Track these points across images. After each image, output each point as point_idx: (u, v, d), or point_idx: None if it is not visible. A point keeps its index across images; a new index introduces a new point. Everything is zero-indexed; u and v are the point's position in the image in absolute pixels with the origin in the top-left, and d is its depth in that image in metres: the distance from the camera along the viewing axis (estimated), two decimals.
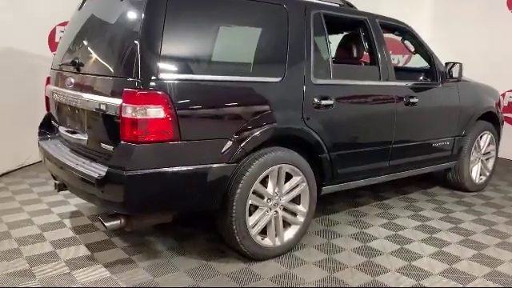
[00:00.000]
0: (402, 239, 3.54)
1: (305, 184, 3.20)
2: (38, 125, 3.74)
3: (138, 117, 2.48)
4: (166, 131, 2.55)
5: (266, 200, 3.04)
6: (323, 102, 3.23)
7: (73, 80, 3.05)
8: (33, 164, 5.55)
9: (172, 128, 2.56)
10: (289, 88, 3.09)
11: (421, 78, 4.44)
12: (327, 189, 3.48)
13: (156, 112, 2.51)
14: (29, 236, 3.41)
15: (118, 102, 2.56)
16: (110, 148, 2.70)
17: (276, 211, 3.10)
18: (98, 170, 2.69)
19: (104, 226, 2.73)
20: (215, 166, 2.75)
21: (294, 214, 3.23)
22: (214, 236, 3.46)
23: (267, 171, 2.98)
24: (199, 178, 2.72)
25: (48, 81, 3.66)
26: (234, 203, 2.85)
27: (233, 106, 2.83)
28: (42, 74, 5.52)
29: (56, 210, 3.98)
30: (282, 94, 3.06)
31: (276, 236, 3.13)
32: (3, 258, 3.04)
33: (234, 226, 2.89)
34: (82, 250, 3.18)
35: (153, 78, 2.53)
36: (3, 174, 5.07)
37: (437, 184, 5.12)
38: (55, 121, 3.55)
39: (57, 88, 3.34)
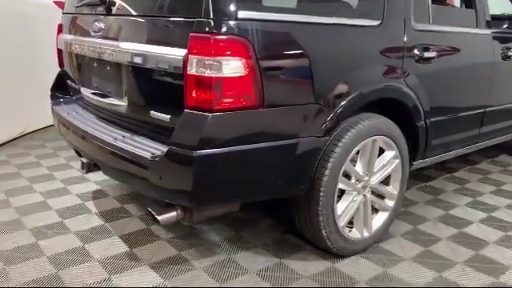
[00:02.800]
0: (501, 223, 2.92)
1: (398, 160, 2.53)
2: (50, 85, 2.98)
3: (212, 74, 1.75)
4: (246, 94, 1.83)
5: (354, 182, 2.37)
6: (425, 54, 2.51)
7: (102, 25, 2.28)
8: (35, 131, 4.80)
9: (254, 90, 1.84)
10: (388, 34, 2.37)
11: (505, 26, 3.69)
12: (417, 164, 2.82)
13: (236, 67, 1.78)
14: (46, 226, 2.72)
15: (178, 52, 1.82)
16: (166, 118, 1.97)
17: (364, 195, 2.44)
18: (149, 148, 1.99)
19: (155, 219, 2.05)
20: (303, 140, 2.05)
21: (382, 197, 2.58)
22: (275, 222, 2.82)
23: (360, 145, 2.29)
24: (285, 157, 2.03)
25: (60, 29, 2.88)
26: (322, 188, 2.18)
27: (326, 57, 2.09)
28: (42, 23, 4.80)
29: (74, 189, 3.28)
30: (381, 41, 2.34)
31: (364, 226, 2.48)
32: (23, 258, 2.37)
33: (321, 217, 2.23)
34: (118, 245, 2.51)
35: (231, 17, 1.78)
36: (2, 144, 4.32)
37: (502, 151, 4.48)
38: (73, 80, 2.80)
39: (76, 37, 2.56)
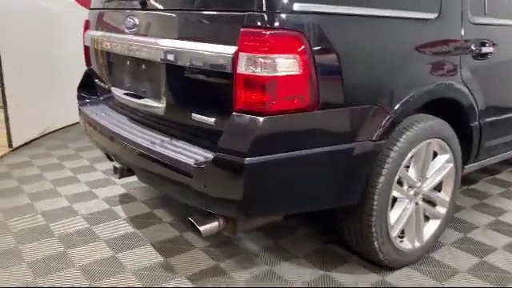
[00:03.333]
0: None
1: (451, 165, 2.34)
2: (77, 84, 2.84)
3: (264, 73, 1.58)
4: (301, 95, 1.66)
5: (406, 189, 2.19)
6: (483, 50, 2.32)
7: (136, 20, 2.12)
8: (56, 130, 4.68)
9: (309, 90, 1.67)
10: (446, 28, 2.18)
11: None
12: (468, 169, 2.62)
13: (290, 65, 1.61)
14: (75, 233, 2.58)
15: (226, 50, 1.66)
16: (210, 121, 1.81)
17: (416, 202, 2.26)
18: (191, 154, 1.83)
19: (196, 230, 1.89)
20: (359, 144, 1.88)
21: (433, 204, 2.39)
22: (313, 230, 2.65)
23: (415, 149, 2.11)
24: (339, 163, 1.86)
25: (87, 25, 2.73)
26: (376, 196, 2.00)
27: (384, 53, 1.92)
28: (64, 20, 4.67)
29: (100, 193, 3.14)
30: (438, 36, 2.15)
31: (415, 236, 2.29)
32: (54, 269, 2.23)
33: (374, 228, 2.05)
34: (152, 255, 2.37)
35: (286, 10, 1.61)
36: (24, 145, 4.20)
37: None
38: (102, 79, 2.65)
39: (106, 34, 2.41)
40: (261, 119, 1.60)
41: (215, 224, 1.91)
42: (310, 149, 1.73)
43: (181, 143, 1.98)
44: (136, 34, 2.12)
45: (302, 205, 1.90)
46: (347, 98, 1.80)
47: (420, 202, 2.27)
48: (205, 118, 1.82)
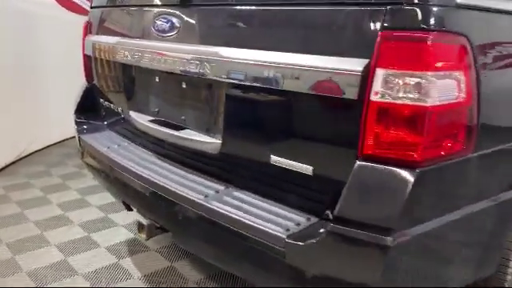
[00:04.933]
0: None
1: None
2: (75, 106, 2.19)
3: (418, 101, 1.00)
4: (458, 132, 1.09)
5: None
6: None
7: (176, 21, 1.50)
8: (34, 153, 3.96)
9: (469, 123, 1.10)
10: None
11: None
12: None
13: (454, 87, 1.04)
14: None
15: (350, 64, 1.06)
16: (306, 168, 1.20)
17: None
18: (273, 216, 1.24)
19: None
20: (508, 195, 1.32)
21: None
22: None
23: None
24: (497, 221, 1.30)
25: (88, 28, 2.10)
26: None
27: None
28: (41, 23, 3.95)
29: (102, 241, 2.48)
30: None
31: None
32: None
33: None
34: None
35: (447, 2, 1.04)
36: None
37: None
38: (109, 99, 2.02)
39: (122, 40, 1.78)
40: (412, 173, 1.01)
41: None
42: (469, 206, 1.16)
43: (247, 196, 1.37)
44: (175, 40, 1.49)
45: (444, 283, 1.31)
46: (504, 134, 1.25)
47: None
48: (296, 163, 1.22)
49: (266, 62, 1.21)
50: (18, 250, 2.36)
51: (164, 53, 1.52)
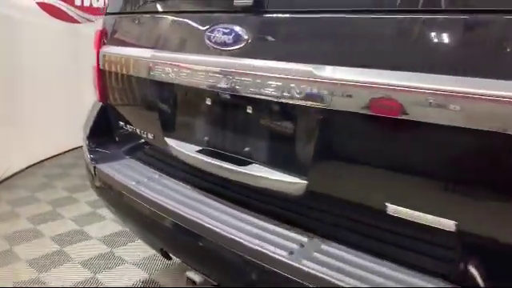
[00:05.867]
0: None
1: None
2: (87, 130, 1.86)
3: None
4: None
5: None
6: None
7: (242, 31, 1.21)
8: (14, 175, 3.55)
9: None
10: None
11: None
12: None
13: None
14: None
15: None
16: (446, 224, 0.93)
17: None
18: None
19: None
20: None
21: None
22: None
23: None
24: None
25: (103, 36, 1.78)
26: None
27: None
28: (21, 31, 3.54)
29: (108, 280, 2.14)
30: None
31: None
32: None
33: None
34: None
35: None
36: None
37: None
38: (130, 123, 1.70)
39: (162, 54, 1.46)
40: None
41: None
42: None
43: (346, 253, 1.09)
44: (241, 54, 1.20)
45: None
46: None
47: None
48: (431, 217, 0.94)
49: (390, 85, 0.93)
50: None
51: (224, 70, 1.23)
